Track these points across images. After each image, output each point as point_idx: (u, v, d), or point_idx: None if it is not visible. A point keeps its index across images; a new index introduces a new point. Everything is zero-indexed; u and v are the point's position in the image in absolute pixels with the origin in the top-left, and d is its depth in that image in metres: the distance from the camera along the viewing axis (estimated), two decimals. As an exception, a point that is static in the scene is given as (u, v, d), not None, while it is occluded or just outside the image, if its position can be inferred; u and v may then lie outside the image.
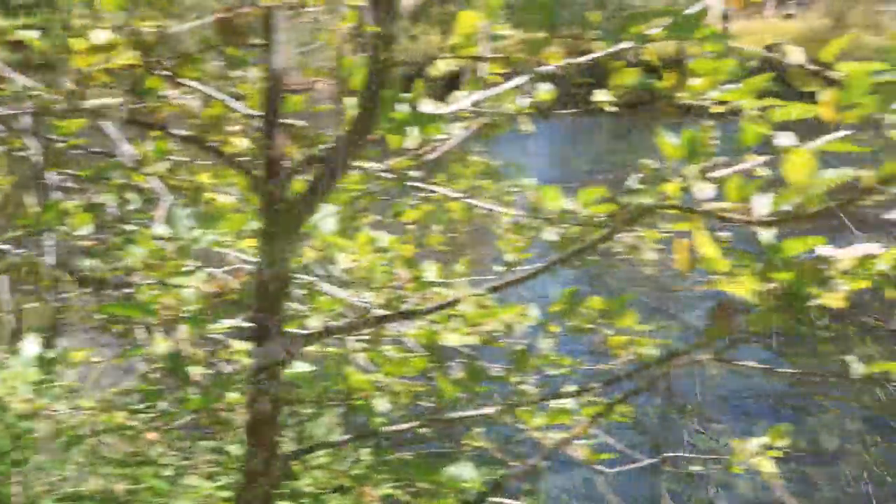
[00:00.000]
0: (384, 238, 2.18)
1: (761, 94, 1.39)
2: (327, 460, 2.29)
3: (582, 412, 1.96)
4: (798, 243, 1.10)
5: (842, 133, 1.23)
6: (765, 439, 1.99)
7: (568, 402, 1.97)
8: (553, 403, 1.98)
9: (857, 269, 1.46)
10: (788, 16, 32.35)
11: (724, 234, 1.43)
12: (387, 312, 1.70)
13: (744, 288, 1.13)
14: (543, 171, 17.08)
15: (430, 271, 2.06)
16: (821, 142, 1.14)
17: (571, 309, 1.89)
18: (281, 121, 1.29)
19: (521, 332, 2.17)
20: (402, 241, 2.19)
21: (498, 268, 2.30)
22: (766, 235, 1.13)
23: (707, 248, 1.11)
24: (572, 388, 1.85)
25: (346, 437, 1.95)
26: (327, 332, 1.59)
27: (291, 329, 1.58)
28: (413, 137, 1.72)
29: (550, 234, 1.60)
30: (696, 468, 2.32)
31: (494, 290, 1.40)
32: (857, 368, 1.69)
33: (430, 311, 1.49)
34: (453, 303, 1.37)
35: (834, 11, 26.81)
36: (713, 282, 1.16)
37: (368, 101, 1.08)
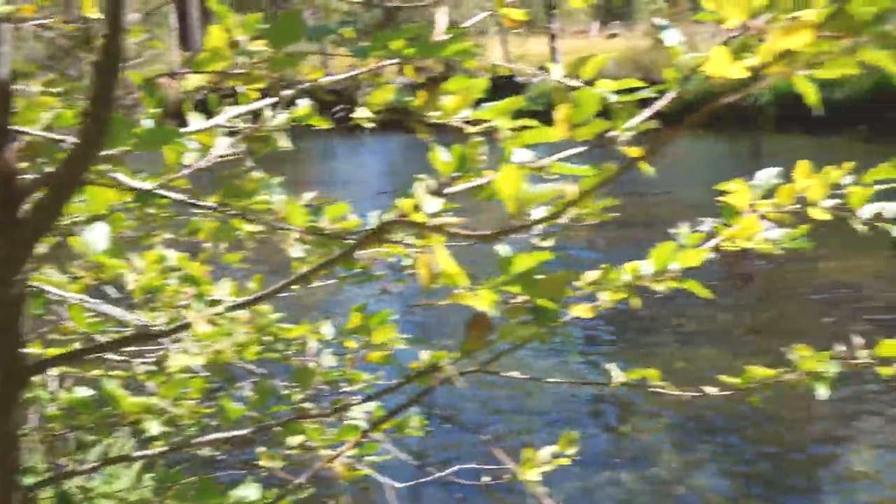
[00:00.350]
0: (173, 256, 2.14)
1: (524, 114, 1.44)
2: (109, 488, 2.23)
3: (373, 429, 1.97)
4: (528, 258, 1.15)
5: (573, 150, 1.29)
6: (554, 448, 2.01)
7: (357, 418, 1.98)
8: (344, 419, 1.99)
9: (604, 281, 1.53)
10: (612, 35, 35.65)
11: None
12: (128, 334, 1.66)
13: (483, 302, 1.17)
14: (376, 183, 17.44)
15: (223, 289, 2.04)
16: (546, 161, 1.19)
17: (364, 325, 1.90)
18: (11, 134, 1.23)
19: (315, 349, 2.19)
20: (201, 259, 2.16)
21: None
22: (503, 249, 1.17)
23: (445, 262, 1.14)
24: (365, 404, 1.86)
25: (96, 462, 1.89)
26: (74, 354, 1.54)
27: (31, 350, 1.51)
28: (189, 153, 1.69)
29: (296, 249, 1.62)
30: (486, 479, 2.36)
31: (232, 308, 1.38)
32: (617, 376, 1.78)
33: (166, 334, 1.45)
34: (186, 325, 1.35)
35: (654, 31, 27.83)
36: (455, 296, 1.20)
37: (95, 114, 1.05)
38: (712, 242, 1.67)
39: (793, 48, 0.82)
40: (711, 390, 1.85)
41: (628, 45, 28.56)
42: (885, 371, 1.71)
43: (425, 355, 1.57)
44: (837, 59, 0.88)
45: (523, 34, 34.80)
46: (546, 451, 2.02)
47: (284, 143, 1.52)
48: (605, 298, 1.61)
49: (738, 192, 1.67)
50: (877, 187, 1.65)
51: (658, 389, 1.82)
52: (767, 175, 1.69)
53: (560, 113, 1.21)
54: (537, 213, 1.26)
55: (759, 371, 1.77)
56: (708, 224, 1.69)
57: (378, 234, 1.15)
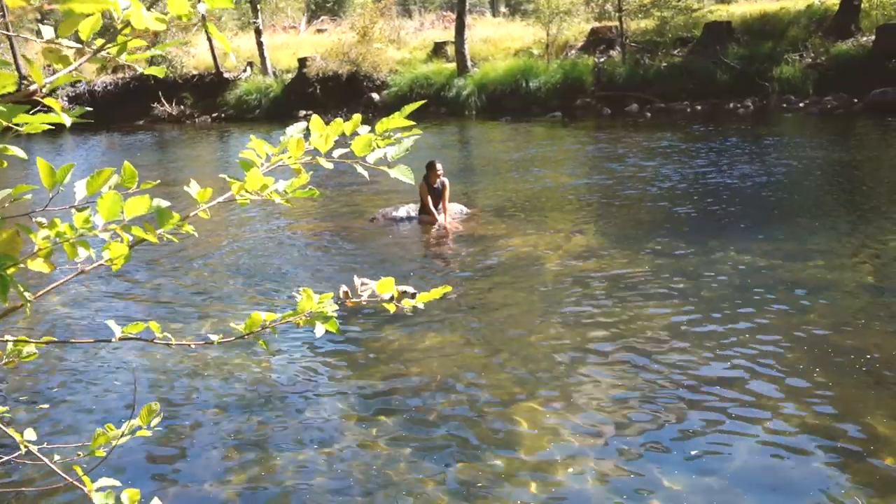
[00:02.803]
0: None
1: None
2: None
3: None
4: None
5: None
6: (135, 421, 1.99)
7: None
8: None
9: (61, 235, 1.64)
10: (320, 30, 37.97)
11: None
12: None
13: None
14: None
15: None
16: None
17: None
18: None
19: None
20: None
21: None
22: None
23: None
24: None
25: None
26: None
27: None
28: None
29: None
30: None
31: None
32: (116, 331, 1.92)
33: None
34: None
35: (359, 27, 31.15)
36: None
37: None
38: (224, 197, 1.79)
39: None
40: (214, 338, 2.01)
41: (336, 40, 30.86)
42: (389, 307, 1.99)
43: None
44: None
45: (231, 30, 36.01)
46: (126, 426, 1.99)
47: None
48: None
49: (254, 145, 1.78)
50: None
51: (158, 342, 1.92)
52: (293, 129, 1.78)
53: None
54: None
55: (265, 316, 1.92)
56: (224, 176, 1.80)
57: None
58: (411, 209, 11.85)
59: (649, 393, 5.60)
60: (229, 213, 12.78)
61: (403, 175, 1.79)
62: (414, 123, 1.84)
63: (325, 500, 4.56)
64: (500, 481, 4.63)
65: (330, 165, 1.80)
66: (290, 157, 1.80)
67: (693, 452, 4.81)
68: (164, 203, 1.69)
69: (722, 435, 4.99)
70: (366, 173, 1.88)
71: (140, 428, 1.99)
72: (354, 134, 1.79)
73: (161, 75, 1.77)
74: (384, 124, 1.77)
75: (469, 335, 6.98)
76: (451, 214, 11.58)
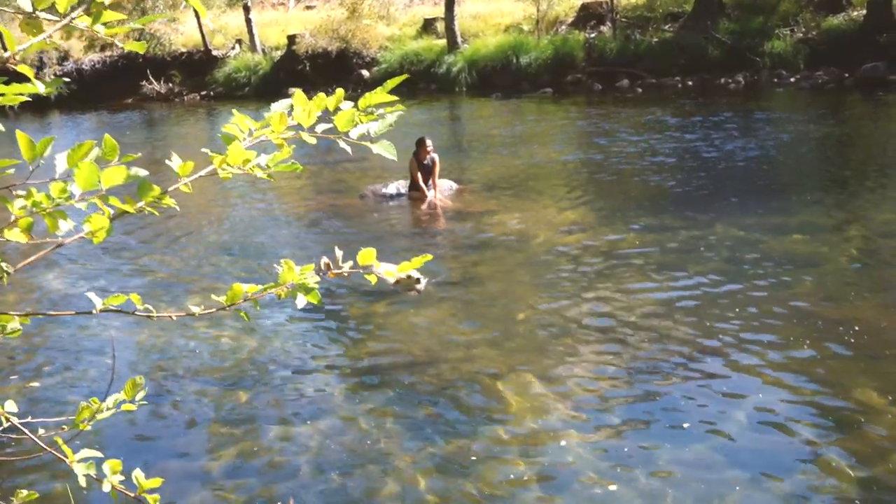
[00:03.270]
0: None
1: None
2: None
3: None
4: None
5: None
6: (119, 395, 1.97)
7: None
8: None
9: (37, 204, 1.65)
10: (309, 7, 37.09)
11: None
12: None
13: None
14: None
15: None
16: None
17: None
18: None
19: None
20: None
21: None
22: None
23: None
24: None
25: None
26: None
27: None
28: None
29: None
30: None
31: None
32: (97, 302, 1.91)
33: None
34: None
35: (348, 3, 30.55)
36: None
37: None
38: (206, 170, 1.77)
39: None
40: (195, 309, 1.97)
41: (325, 16, 30.36)
42: (371, 278, 1.97)
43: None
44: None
45: (220, 6, 34.40)
46: (110, 400, 1.96)
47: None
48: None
49: (237, 120, 1.78)
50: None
51: (140, 314, 1.90)
52: (278, 105, 1.77)
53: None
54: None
55: (246, 288, 1.90)
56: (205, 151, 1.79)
57: None
58: (401, 186, 11.84)
59: (637, 367, 5.62)
60: (218, 191, 12.78)
61: (386, 151, 1.78)
62: (397, 99, 1.82)
63: (309, 475, 4.57)
64: (486, 455, 4.65)
65: (313, 140, 1.79)
66: (272, 132, 1.79)
67: (683, 425, 4.84)
68: (143, 172, 1.67)
69: (710, 408, 5.01)
70: (349, 149, 1.87)
71: (125, 402, 1.97)
72: (338, 109, 1.78)
73: (142, 51, 1.75)
74: (367, 100, 1.77)
75: (457, 310, 6.99)
76: (440, 190, 11.56)
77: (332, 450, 4.82)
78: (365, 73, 28.88)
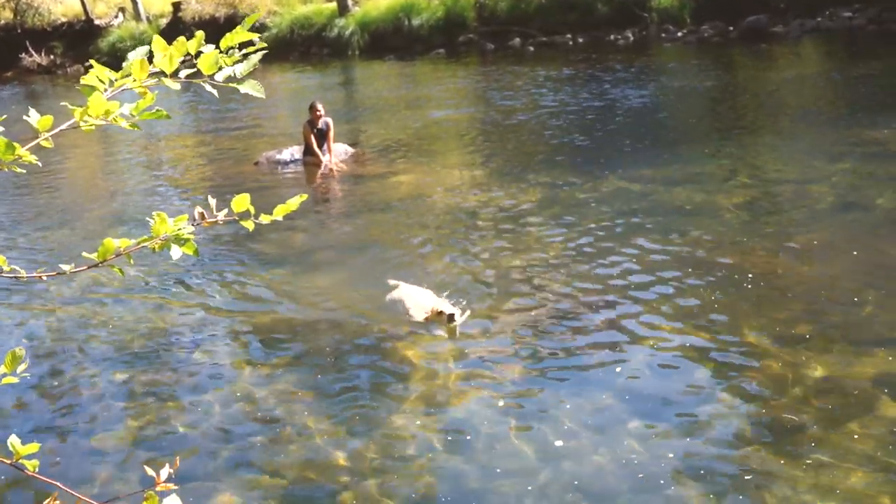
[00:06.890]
0: None
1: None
2: None
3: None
4: None
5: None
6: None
7: None
8: None
9: None
10: None
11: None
12: None
13: None
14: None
15: None
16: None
17: None
18: None
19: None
20: None
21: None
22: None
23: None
24: None
25: None
26: None
27: None
28: None
29: None
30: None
31: None
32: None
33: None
34: None
35: None
36: None
37: None
38: (67, 124, 1.70)
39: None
40: (66, 268, 1.96)
41: None
42: (248, 224, 1.92)
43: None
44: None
45: None
46: None
47: None
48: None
49: (96, 70, 1.69)
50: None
51: (6, 276, 1.85)
52: (138, 53, 1.69)
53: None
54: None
55: (118, 242, 1.88)
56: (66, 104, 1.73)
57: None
58: (295, 151, 11.66)
59: (537, 320, 5.67)
60: (110, 161, 12.39)
61: (254, 90, 1.73)
62: (259, 36, 1.77)
63: (220, 443, 4.50)
64: (389, 415, 4.65)
65: (177, 86, 1.71)
66: (134, 81, 1.70)
67: (582, 374, 4.91)
68: (-1, 128, 1.60)
69: (610, 354, 5.10)
70: (216, 92, 1.81)
71: (6, 375, 1.84)
72: (199, 53, 1.71)
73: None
74: (228, 40, 1.70)
75: (357, 274, 6.95)
76: (336, 155, 11.44)
77: (242, 417, 4.76)
78: (255, 38, 28.18)
